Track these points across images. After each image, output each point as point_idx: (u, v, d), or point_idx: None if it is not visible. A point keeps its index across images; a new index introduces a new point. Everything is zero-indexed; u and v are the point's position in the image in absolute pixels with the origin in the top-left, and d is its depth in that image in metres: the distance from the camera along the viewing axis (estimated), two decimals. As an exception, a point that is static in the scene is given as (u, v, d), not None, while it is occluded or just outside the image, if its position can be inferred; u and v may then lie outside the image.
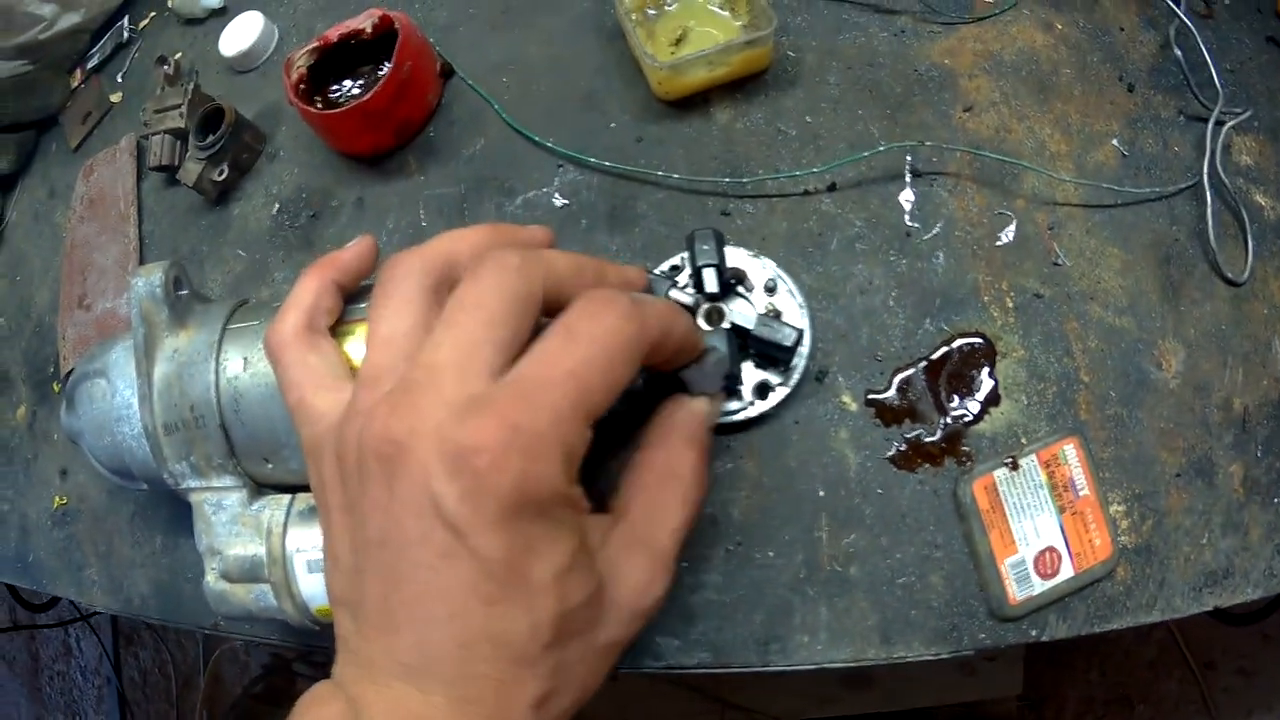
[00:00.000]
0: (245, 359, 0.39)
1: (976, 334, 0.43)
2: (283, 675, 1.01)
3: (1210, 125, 0.46)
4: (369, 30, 0.50)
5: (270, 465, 0.40)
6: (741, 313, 0.39)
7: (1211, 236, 0.44)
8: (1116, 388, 0.42)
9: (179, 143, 0.56)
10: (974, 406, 0.42)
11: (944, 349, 0.43)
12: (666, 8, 0.48)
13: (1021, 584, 0.40)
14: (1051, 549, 0.40)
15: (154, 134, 0.56)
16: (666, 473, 0.30)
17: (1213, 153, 0.45)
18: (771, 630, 0.40)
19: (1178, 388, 0.43)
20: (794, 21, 0.49)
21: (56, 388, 0.59)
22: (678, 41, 0.47)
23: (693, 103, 0.47)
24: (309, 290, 0.32)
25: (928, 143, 0.45)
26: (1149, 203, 0.45)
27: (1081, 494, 0.41)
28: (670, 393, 0.33)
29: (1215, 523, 0.42)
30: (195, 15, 0.63)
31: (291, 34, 0.60)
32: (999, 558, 0.40)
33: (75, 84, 0.67)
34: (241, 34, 0.57)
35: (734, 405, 0.41)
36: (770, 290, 0.42)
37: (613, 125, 0.47)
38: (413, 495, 0.23)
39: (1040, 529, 0.41)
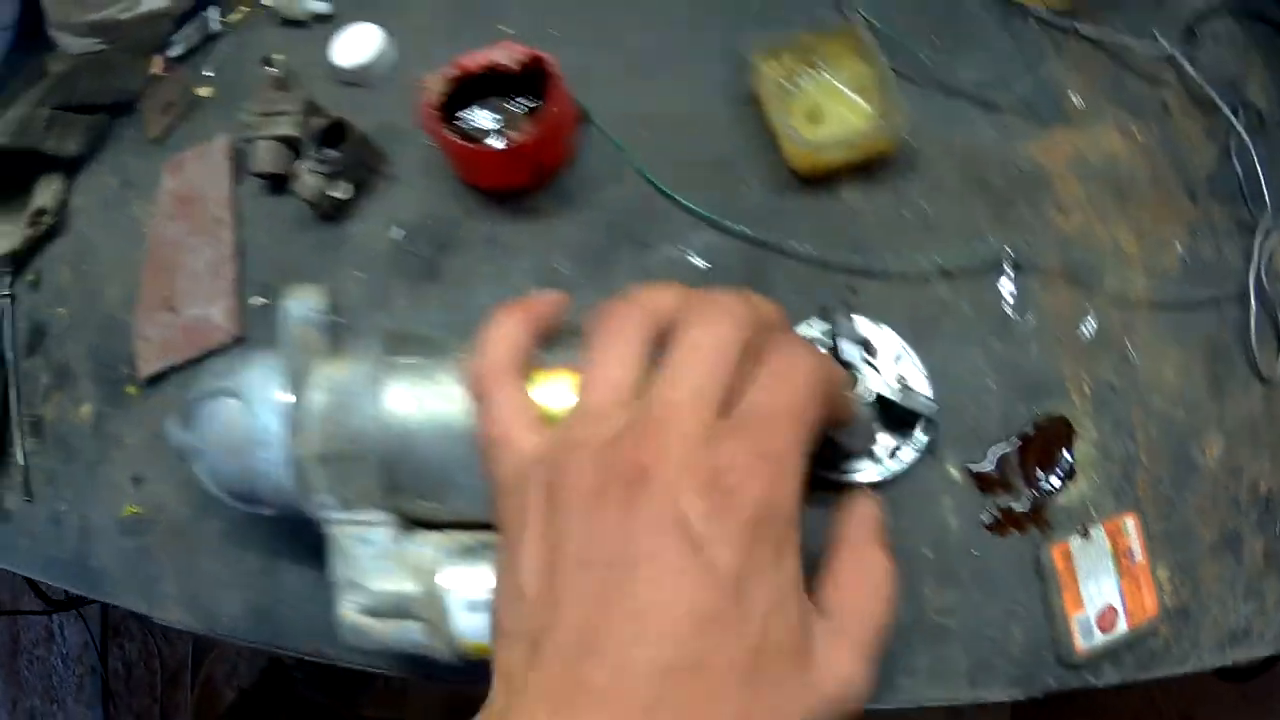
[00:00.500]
0: (416, 396, 0.41)
1: (1061, 417, 0.49)
2: (280, 680, 1.00)
3: (1258, 235, 0.53)
4: (515, 67, 0.51)
5: (429, 503, 0.42)
6: (879, 381, 0.44)
7: (1253, 339, 0.51)
8: (1168, 470, 0.49)
9: (290, 151, 0.56)
10: (1055, 482, 0.48)
11: (1033, 429, 0.49)
12: (801, 84, 0.52)
13: (1086, 636, 0.46)
14: (1111, 607, 0.47)
15: (259, 139, 0.56)
16: (863, 571, 0.31)
17: (1258, 261, 0.52)
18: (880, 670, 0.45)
19: (1216, 471, 0.50)
20: (912, 111, 0.54)
21: (133, 390, 0.58)
22: (811, 118, 0.51)
23: (823, 179, 0.51)
24: (513, 330, 0.34)
25: (1026, 239, 0.51)
26: (1203, 304, 0.53)
27: (1136, 561, 0.48)
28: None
29: (1239, 589, 0.49)
30: (296, 17, 0.63)
31: (409, 53, 0.60)
32: (1070, 613, 0.46)
33: (155, 71, 0.66)
34: (359, 46, 0.58)
35: (869, 466, 0.46)
36: (896, 360, 0.47)
37: (746, 192, 0.51)
38: (656, 513, 0.25)
39: (1103, 590, 0.47)
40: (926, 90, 0.54)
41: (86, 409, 0.60)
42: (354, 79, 0.59)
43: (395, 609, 0.42)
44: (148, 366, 0.57)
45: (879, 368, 0.47)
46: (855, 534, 0.32)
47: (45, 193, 0.66)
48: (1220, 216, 0.55)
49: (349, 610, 0.42)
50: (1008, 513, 0.48)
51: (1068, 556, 0.47)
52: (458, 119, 0.55)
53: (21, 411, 0.62)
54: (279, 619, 0.51)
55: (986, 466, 0.48)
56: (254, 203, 0.59)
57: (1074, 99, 0.55)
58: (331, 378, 0.42)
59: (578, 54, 0.57)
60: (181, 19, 0.67)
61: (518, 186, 0.53)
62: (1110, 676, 0.47)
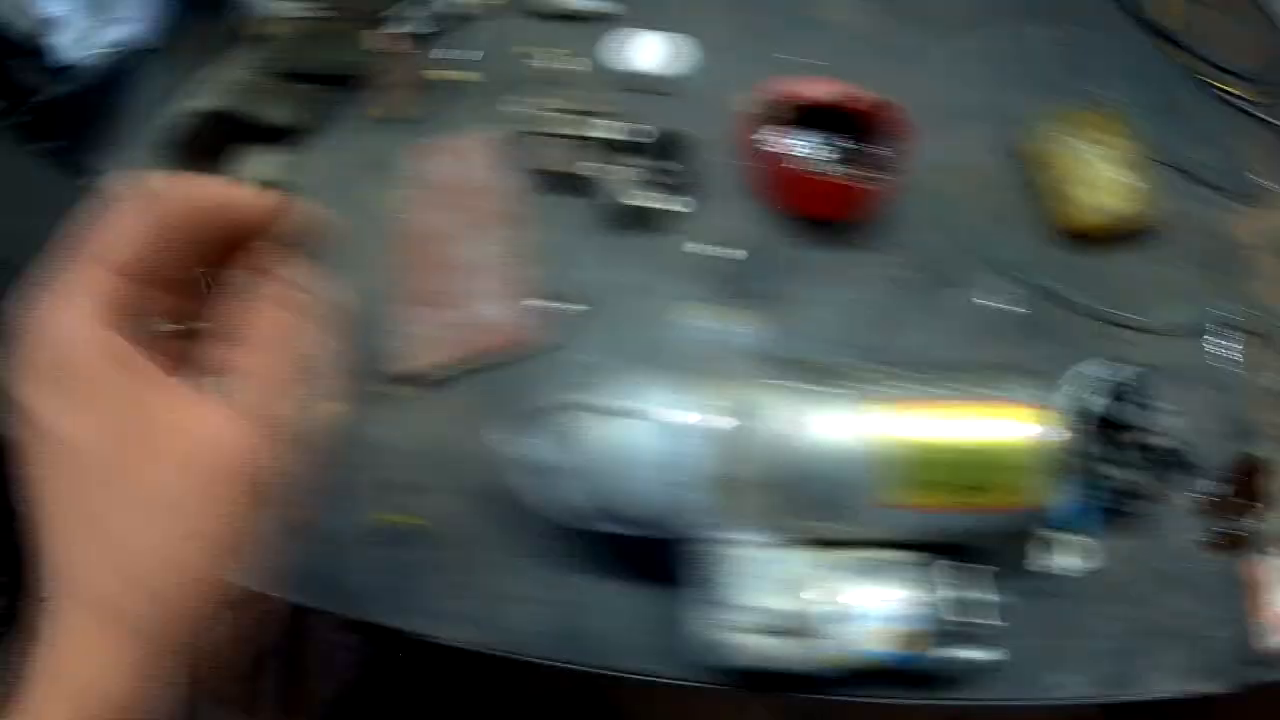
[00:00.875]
0: (836, 422, 0.43)
1: (1260, 457, 0.58)
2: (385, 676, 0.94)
3: None
4: (860, 108, 0.53)
5: (831, 523, 0.45)
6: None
7: None
8: None
9: (581, 151, 0.56)
10: (1260, 511, 0.57)
11: (1240, 466, 0.57)
12: (1078, 153, 0.57)
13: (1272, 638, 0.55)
14: None
15: (550, 135, 0.55)
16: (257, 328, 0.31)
17: None
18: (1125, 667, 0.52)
19: None
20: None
21: (392, 390, 0.56)
22: (1085, 185, 0.57)
23: (1088, 239, 0.57)
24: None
25: (1243, 306, 0.59)
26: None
27: None
28: None
29: None
30: (567, 9, 0.61)
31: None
32: (1264, 618, 0.55)
33: (383, 47, 0.62)
34: (662, 52, 0.58)
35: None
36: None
37: (1024, 244, 0.57)
38: None
39: None
40: (1160, 168, 0.61)
41: (329, 407, 0.57)
42: (644, 85, 0.59)
43: (792, 626, 0.44)
44: (415, 363, 0.55)
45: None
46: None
47: (265, 166, 0.61)
48: None
49: (734, 629, 0.44)
50: (1225, 534, 0.55)
51: (1264, 572, 0.55)
52: (772, 145, 0.56)
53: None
54: (590, 636, 0.50)
55: (1210, 496, 0.56)
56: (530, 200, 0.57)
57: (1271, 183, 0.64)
58: (760, 403, 0.43)
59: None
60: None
61: (839, 219, 0.55)
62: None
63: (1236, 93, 0.67)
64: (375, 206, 0.60)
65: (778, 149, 0.54)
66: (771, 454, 0.42)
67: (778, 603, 0.44)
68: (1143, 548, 0.53)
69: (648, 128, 0.55)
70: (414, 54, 0.63)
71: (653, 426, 0.43)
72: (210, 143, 0.61)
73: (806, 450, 0.42)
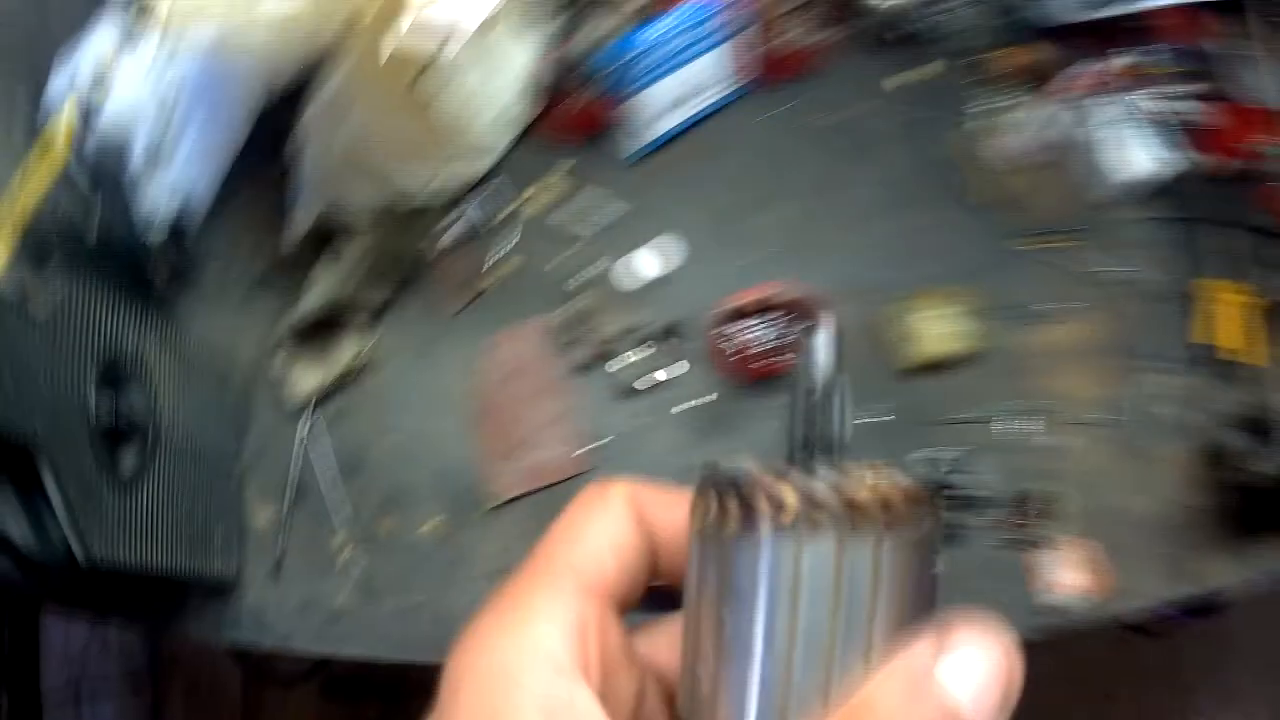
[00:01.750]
0: None
1: (1036, 492, 0.90)
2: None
3: (1145, 375, 0.97)
4: (786, 301, 0.81)
5: None
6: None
7: (1137, 436, 0.95)
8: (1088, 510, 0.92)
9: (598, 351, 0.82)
10: (1035, 523, 0.90)
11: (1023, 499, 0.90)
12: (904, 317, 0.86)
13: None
14: (1058, 583, 0.90)
15: (575, 336, 0.81)
16: None
17: (1143, 388, 0.96)
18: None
19: (1138, 516, 0.94)
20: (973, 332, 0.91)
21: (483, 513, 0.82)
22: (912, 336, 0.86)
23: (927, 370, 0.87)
24: None
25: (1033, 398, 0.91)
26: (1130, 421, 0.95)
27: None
28: None
29: None
30: (571, 230, 0.86)
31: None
32: (1038, 586, 0.89)
33: (448, 241, 0.85)
34: (645, 265, 0.84)
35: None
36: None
37: (887, 379, 0.86)
38: None
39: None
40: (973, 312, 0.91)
41: (432, 524, 0.82)
42: (638, 287, 0.85)
43: None
44: (504, 494, 0.81)
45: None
46: None
47: (349, 345, 0.84)
48: (1128, 366, 0.97)
49: None
50: (1012, 540, 0.86)
51: (1035, 560, 0.86)
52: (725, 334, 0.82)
53: (353, 524, 0.82)
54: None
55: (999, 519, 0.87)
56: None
57: (1057, 306, 0.95)
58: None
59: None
60: (449, 206, 0.86)
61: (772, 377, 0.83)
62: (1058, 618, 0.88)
63: (1051, 244, 0.98)
64: (452, 376, 0.84)
65: (732, 337, 0.82)
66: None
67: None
68: (963, 553, 0.81)
69: (649, 321, 0.81)
70: (472, 249, 0.86)
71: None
72: (314, 337, 0.83)
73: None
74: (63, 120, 0.72)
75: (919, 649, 0.20)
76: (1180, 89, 1.09)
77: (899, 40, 1.04)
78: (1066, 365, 0.91)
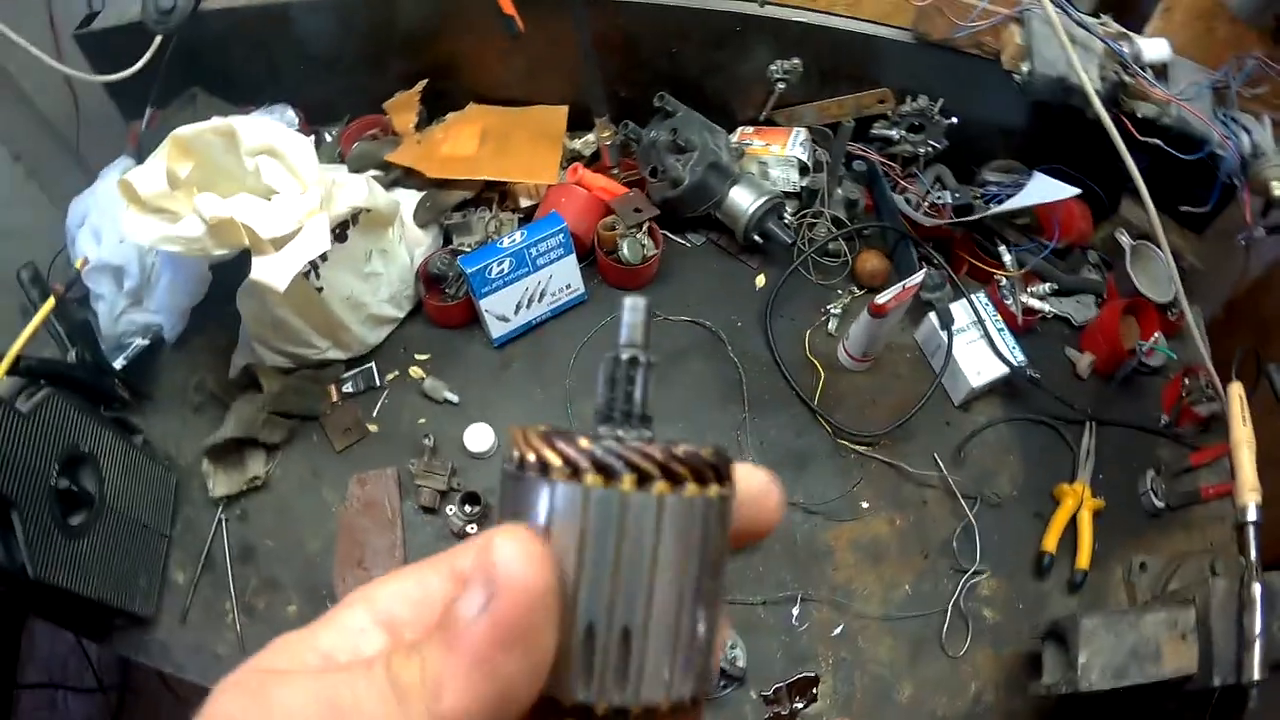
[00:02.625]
0: None
1: (813, 676, 1.07)
2: None
3: (964, 577, 1.10)
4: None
5: None
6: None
7: (944, 632, 1.09)
8: (875, 701, 1.08)
9: (439, 496, 1.05)
10: (803, 704, 1.06)
11: (798, 679, 1.06)
12: None
13: None
14: None
15: (422, 486, 1.05)
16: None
17: (961, 591, 1.10)
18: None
19: (907, 705, 1.08)
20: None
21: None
22: None
23: None
24: None
25: (813, 585, 1.07)
26: (917, 618, 1.10)
27: None
28: None
29: None
30: (435, 397, 1.10)
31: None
32: None
33: (333, 399, 1.12)
34: (482, 438, 1.07)
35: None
36: (733, 647, 1.04)
37: None
38: None
39: None
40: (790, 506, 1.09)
41: (293, 609, 1.09)
42: (475, 453, 1.08)
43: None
44: (342, 595, 1.06)
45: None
46: None
47: (256, 464, 1.11)
48: (943, 566, 1.12)
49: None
50: (779, 715, 1.04)
51: None
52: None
53: (237, 596, 1.10)
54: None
55: (770, 694, 1.05)
56: (412, 515, 1.08)
57: (863, 504, 1.11)
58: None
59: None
60: (349, 365, 1.12)
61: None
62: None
63: (858, 448, 1.13)
64: (327, 502, 1.10)
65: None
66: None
67: None
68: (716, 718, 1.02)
69: (459, 486, 1.05)
70: (352, 408, 1.12)
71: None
72: (232, 453, 1.11)
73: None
74: (47, 302, 1.02)
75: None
76: (1054, 287, 1.21)
77: (749, 248, 1.23)
78: (864, 560, 1.07)
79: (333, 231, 0.99)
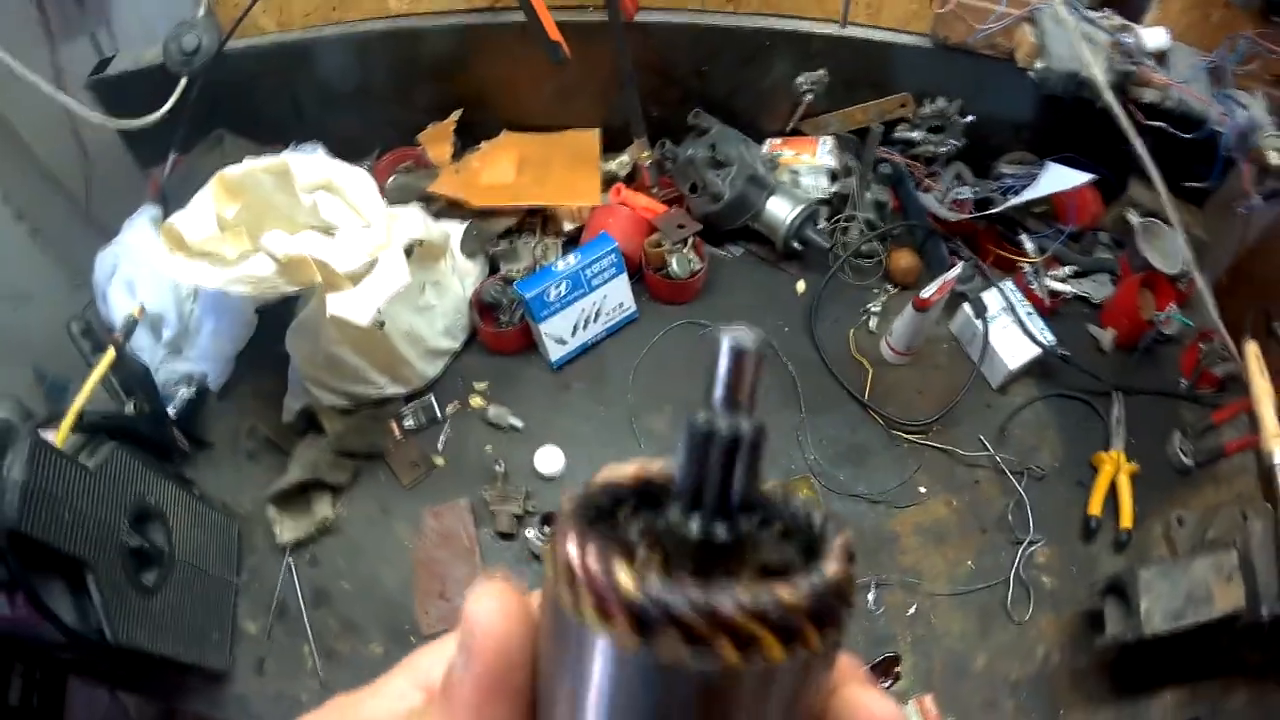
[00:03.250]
0: None
1: (895, 655, 1.12)
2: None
3: (1021, 547, 1.16)
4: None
5: None
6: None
7: (1009, 602, 1.15)
8: (952, 673, 1.13)
9: (516, 520, 1.07)
10: (888, 683, 1.11)
11: (880, 659, 1.11)
12: None
13: None
14: None
15: (498, 511, 1.06)
16: None
17: (1016, 560, 1.16)
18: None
19: (982, 672, 1.14)
20: (840, 514, 1.13)
21: (414, 640, 1.08)
22: None
23: None
24: None
25: (885, 571, 1.12)
26: (981, 590, 1.16)
27: (932, 714, 1.13)
28: None
29: None
30: (499, 425, 1.11)
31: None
32: None
33: (396, 435, 1.12)
34: (553, 460, 1.08)
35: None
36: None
37: None
38: None
39: None
40: (842, 496, 1.13)
41: (377, 648, 1.09)
42: (545, 475, 1.09)
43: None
44: (430, 629, 1.07)
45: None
46: None
47: (323, 507, 1.11)
48: (1001, 540, 1.18)
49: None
50: None
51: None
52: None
53: (315, 641, 1.09)
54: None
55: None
56: (489, 542, 1.09)
57: (921, 490, 1.17)
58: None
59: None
60: (407, 399, 1.13)
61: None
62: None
63: (910, 437, 1.19)
64: (399, 539, 1.11)
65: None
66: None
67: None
68: None
69: (547, 510, 1.06)
70: (414, 442, 1.12)
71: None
72: (297, 498, 1.11)
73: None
74: (110, 346, 1.00)
75: None
76: (1073, 269, 1.29)
77: (787, 256, 1.28)
78: (928, 542, 1.13)
79: (395, 265, 1.00)
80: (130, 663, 0.91)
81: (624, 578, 0.18)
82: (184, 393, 1.13)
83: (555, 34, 1.02)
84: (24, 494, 0.74)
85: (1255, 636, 0.93)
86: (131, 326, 1.00)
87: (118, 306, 1.12)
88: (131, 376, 1.04)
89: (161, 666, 0.95)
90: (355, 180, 0.99)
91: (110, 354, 0.97)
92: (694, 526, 0.19)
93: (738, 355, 0.19)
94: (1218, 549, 0.95)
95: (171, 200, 1.20)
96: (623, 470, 0.21)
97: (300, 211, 0.99)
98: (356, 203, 0.98)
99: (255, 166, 0.98)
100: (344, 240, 0.96)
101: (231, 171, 0.98)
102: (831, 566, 0.18)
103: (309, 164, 0.98)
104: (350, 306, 0.92)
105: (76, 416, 0.89)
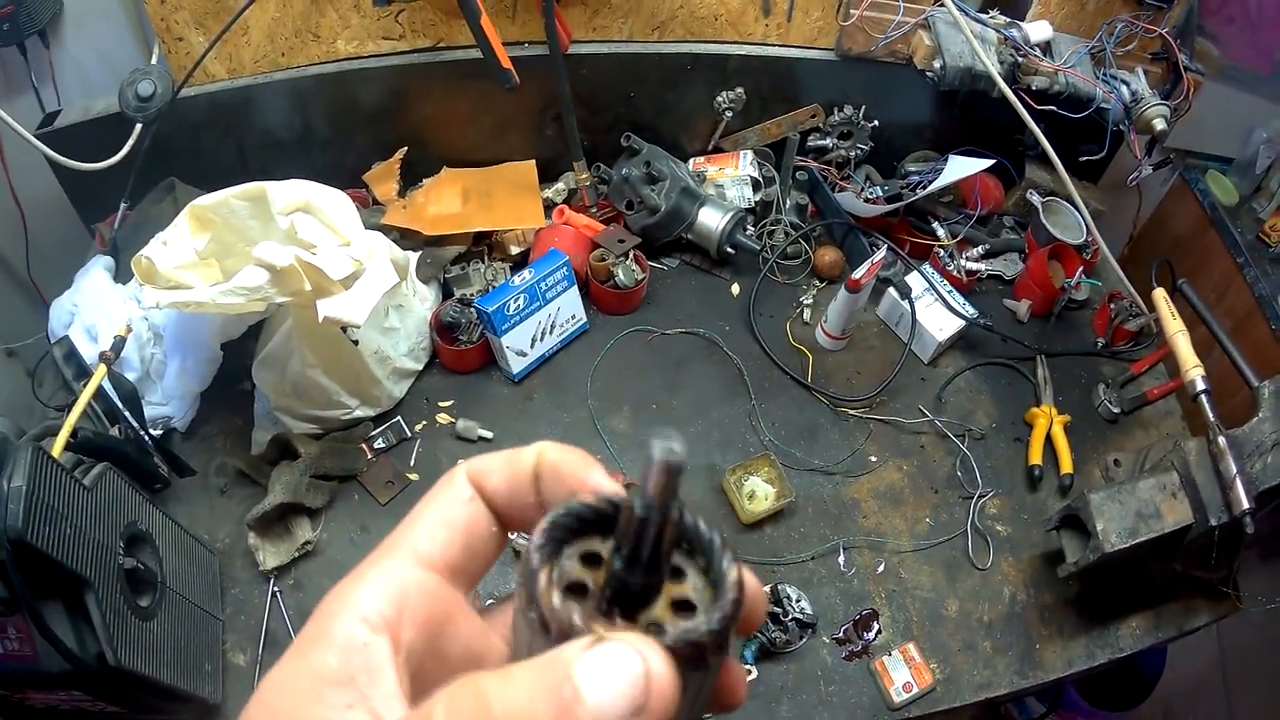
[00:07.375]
0: None
1: (873, 610, 1.20)
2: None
3: (974, 500, 1.27)
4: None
5: None
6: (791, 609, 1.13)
7: (970, 550, 1.25)
8: (929, 620, 1.21)
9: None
10: (871, 636, 1.19)
11: (859, 615, 1.19)
12: (745, 483, 1.18)
13: (899, 696, 1.16)
14: (908, 682, 1.18)
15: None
16: None
17: (973, 513, 1.27)
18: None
19: (955, 616, 1.23)
20: (795, 485, 1.23)
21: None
22: (749, 499, 1.18)
23: (759, 525, 1.18)
24: None
25: (850, 534, 1.22)
26: (941, 544, 1.25)
27: (917, 661, 1.20)
28: None
29: (979, 665, 1.22)
30: (468, 437, 1.18)
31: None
32: (889, 687, 1.17)
33: (368, 456, 1.17)
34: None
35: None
36: (797, 600, 1.16)
37: (728, 530, 1.17)
38: None
39: (902, 675, 1.19)
40: (800, 471, 1.23)
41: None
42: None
43: None
44: None
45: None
46: None
47: (303, 530, 1.15)
48: (953, 497, 1.28)
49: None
50: (852, 652, 1.17)
51: (883, 665, 1.17)
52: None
53: None
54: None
55: (840, 635, 1.17)
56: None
57: (872, 459, 1.27)
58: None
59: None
60: (376, 422, 1.19)
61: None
62: (915, 713, 1.17)
63: (854, 412, 1.30)
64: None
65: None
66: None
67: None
68: (802, 666, 1.12)
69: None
70: (388, 461, 1.18)
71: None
72: (275, 524, 1.15)
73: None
74: (99, 368, 1.02)
75: (569, 647, 0.22)
76: (984, 249, 1.44)
77: (720, 262, 1.40)
78: (886, 505, 1.23)
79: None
80: (123, 694, 0.92)
81: (553, 600, 0.24)
82: (150, 435, 1.16)
83: (506, 62, 1.13)
84: (27, 503, 0.75)
85: (1206, 552, 1.05)
86: (120, 345, 1.04)
87: (81, 353, 1.16)
88: (125, 397, 1.07)
89: (153, 698, 0.96)
90: (333, 201, 1.05)
91: (102, 369, 1.00)
92: (622, 573, 0.26)
93: (664, 464, 0.24)
94: (1159, 472, 1.07)
95: (122, 250, 1.25)
96: (588, 499, 0.28)
97: (276, 234, 1.05)
98: (335, 222, 1.04)
99: (227, 195, 1.03)
100: (326, 254, 1.02)
101: (204, 201, 1.03)
102: (715, 615, 0.25)
103: (286, 188, 1.05)
104: (344, 308, 0.98)
105: (70, 433, 0.92)
